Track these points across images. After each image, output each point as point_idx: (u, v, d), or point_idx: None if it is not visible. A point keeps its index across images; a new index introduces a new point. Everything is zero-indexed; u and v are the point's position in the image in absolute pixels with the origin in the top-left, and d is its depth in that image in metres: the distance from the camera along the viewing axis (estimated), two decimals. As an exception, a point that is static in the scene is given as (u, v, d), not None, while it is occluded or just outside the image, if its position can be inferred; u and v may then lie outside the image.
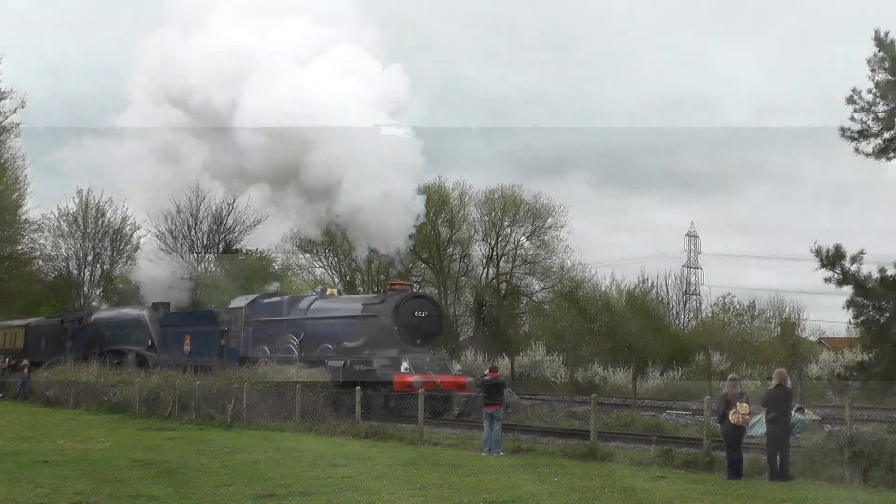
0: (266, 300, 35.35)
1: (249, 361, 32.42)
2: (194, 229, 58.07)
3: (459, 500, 12.40)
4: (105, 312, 47.54)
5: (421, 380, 26.80)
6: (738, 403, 14.93)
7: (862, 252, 14.42)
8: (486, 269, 55.02)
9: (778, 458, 14.75)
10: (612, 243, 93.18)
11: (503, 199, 54.01)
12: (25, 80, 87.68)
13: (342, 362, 29.02)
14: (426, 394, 22.98)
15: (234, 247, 57.76)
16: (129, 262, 59.70)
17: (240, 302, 35.83)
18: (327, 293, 33.93)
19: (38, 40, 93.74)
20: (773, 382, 15.36)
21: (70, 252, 58.44)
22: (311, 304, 32.86)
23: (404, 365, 27.61)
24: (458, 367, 32.04)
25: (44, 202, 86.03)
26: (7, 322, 55.15)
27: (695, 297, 67.53)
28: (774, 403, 15.02)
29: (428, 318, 29.65)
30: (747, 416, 14.99)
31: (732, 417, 14.88)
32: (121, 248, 59.80)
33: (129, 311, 44.16)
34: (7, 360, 46.40)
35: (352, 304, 32.18)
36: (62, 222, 57.85)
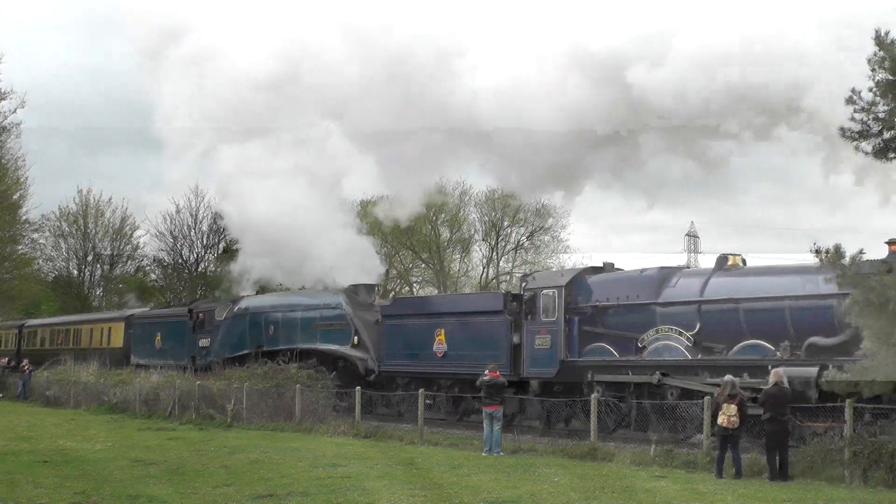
0: (597, 276, 23.28)
1: (579, 368, 22.05)
2: (194, 229, 58.16)
3: (459, 500, 12.40)
4: (267, 298, 34.83)
5: None
6: (725, 405, 15.12)
7: (861, 251, 14.38)
8: (486, 270, 55.05)
9: (777, 458, 14.76)
10: (612, 243, 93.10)
11: (504, 199, 54.04)
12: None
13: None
14: (426, 394, 22.95)
15: (235, 247, 57.83)
16: (128, 262, 59.84)
17: (548, 279, 24.06)
18: (728, 263, 21.30)
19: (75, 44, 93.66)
20: (770, 382, 15.34)
21: (70, 252, 58.51)
22: (708, 280, 20.90)
23: None
24: None
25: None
26: (95, 315, 50.24)
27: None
28: (771, 403, 15.01)
29: None
30: (733, 418, 15.03)
31: (719, 418, 15.16)
32: (121, 248, 59.89)
33: (315, 297, 31.75)
34: (7, 360, 46.10)
35: (806, 278, 18.70)
36: (62, 222, 57.93)
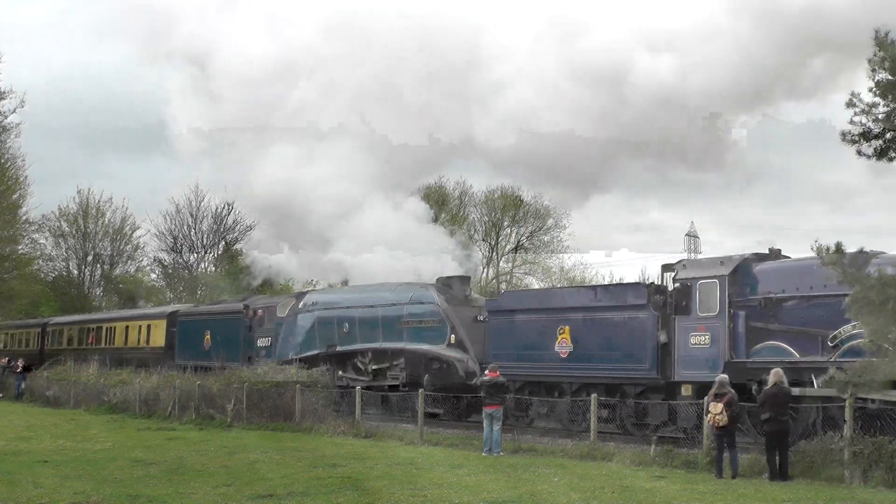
0: (766, 264, 20.17)
1: (750, 371, 18.69)
2: (194, 229, 58.23)
3: (459, 500, 12.40)
4: (339, 292, 31.64)
5: None
6: (712, 404, 15.29)
7: (862, 250, 14.38)
8: (486, 269, 55.05)
9: (777, 458, 14.77)
10: (612, 243, 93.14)
11: (503, 199, 54.09)
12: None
13: None
14: (427, 394, 22.96)
15: (235, 246, 57.88)
16: (129, 262, 59.84)
17: (706, 268, 20.50)
18: None
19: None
20: (770, 382, 15.34)
21: (70, 252, 58.52)
22: None
23: None
24: None
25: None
26: (132, 311, 47.56)
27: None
28: (771, 403, 15.02)
29: None
30: (718, 416, 15.14)
31: (707, 417, 15.50)
32: (121, 248, 59.93)
33: (400, 291, 28.12)
34: (7, 360, 45.78)
35: None
36: (62, 222, 57.94)
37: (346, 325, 28.88)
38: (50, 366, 39.14)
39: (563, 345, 22.32)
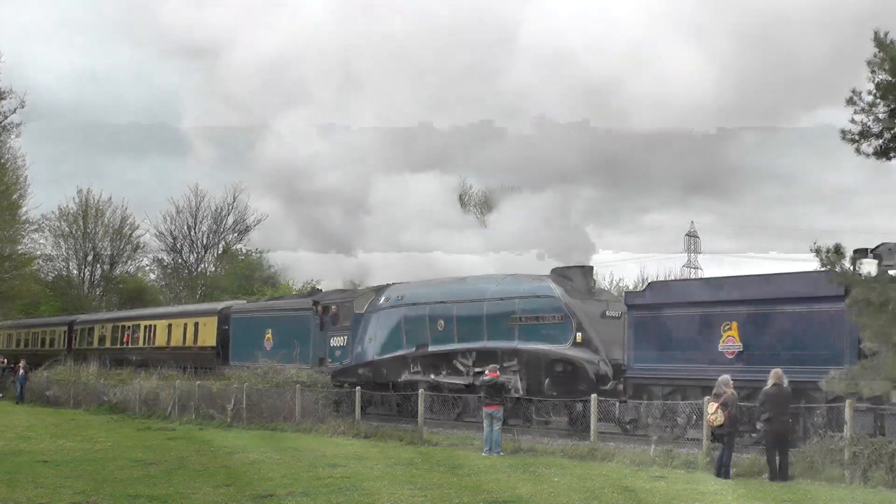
0: None
1: None
2: (194, 229, 58.28)
3: (459, 500, 12.40)
4: (430, 285, 27.70)
5: None
6: (710, 404, 15.39)
7: (860, 250, 14.41)
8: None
9: (777, 458, 14.76)
10: (612, 243, 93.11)
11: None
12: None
13: None
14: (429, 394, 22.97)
15: (235, 246, 57.96)
16: (129, 262, 59.82)
17: None
18: None
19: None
20: (769, 382, 15.30)
21: (70, 252, 58.55)
22: None
23: None
24: None
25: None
26: (176, 308, 43.97)
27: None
28: (770, 403, 15.00)
29: None
30: (712, 416, 15.25)
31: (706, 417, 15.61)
32: (121, 247, 59.97)
33: (508, 283, 25.02)
34: (5, 360, 44.87)
35: None
36: (62, 222, 57.97)
37: (442, 321, 25.81)
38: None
39: (729, 342, 19.61)
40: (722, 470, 14.99)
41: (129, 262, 61.36)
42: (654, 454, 16.86)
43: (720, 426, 15.15)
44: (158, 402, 28.25)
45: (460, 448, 19.68)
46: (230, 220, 58.64)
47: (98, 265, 60.21)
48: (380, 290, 28.95)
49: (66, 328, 47.55)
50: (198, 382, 27.34)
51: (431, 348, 26.02)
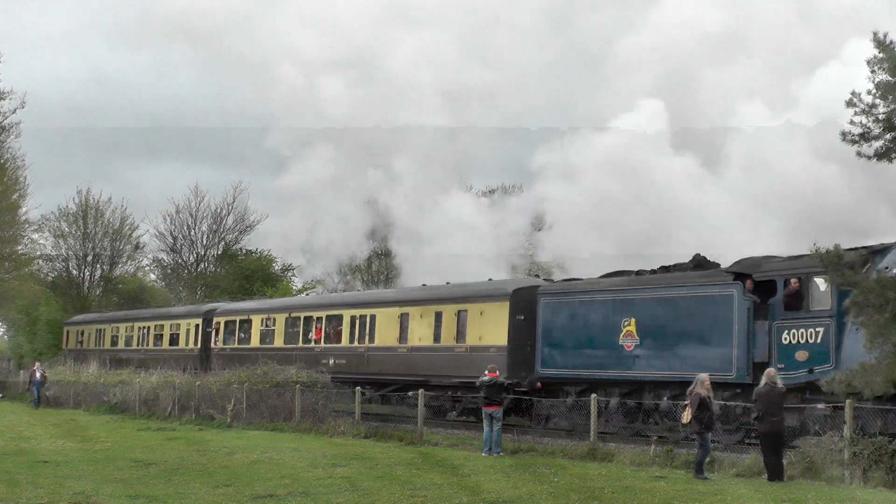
0: None
1: None
2: (193, 229, 58.28)
3: (459, 501, 12.40)
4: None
5: None
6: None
7: (860, 250, 14.45)
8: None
9: (773, 458, 14.72)
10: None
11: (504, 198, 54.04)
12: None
13: None
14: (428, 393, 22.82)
15: (234, 247, 57.93)
16: (129, 262, 59.78)
17: None
18: None
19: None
20: (762, 382, 15.23)
21: (70, 252, 58.52)
22: None
23: None
24: None
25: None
26: (407, 290, 29.98)
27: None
28: (761, 403, 14.93)
29: None
30: (683, 414, 15.51)
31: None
32: (120, 248, 59.94)
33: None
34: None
35: None
36: (62, 222, 57.94)
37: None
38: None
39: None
40: (697, 469, 14.92)
41: (129, 263, 61.36)
42: (653, 454, 16.88)
43: (685, 425, 15.24)
44: (158, 402, 28.26)
45: (460, 448, 19.69)
46: (230, 220, 58.63)
47: (98, 265, 60.19)
48: (875, 251, 17.82)
49: (199, 322, 36.40)
50: (197, 383, 27.34)
51: None
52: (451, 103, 36.61)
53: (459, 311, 25.44)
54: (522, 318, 23.85)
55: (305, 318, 30.91)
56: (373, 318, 28.08)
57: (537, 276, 26.46)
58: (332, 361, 28.24)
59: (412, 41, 37.93)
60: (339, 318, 29.46)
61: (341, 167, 37.98)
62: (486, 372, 19.70)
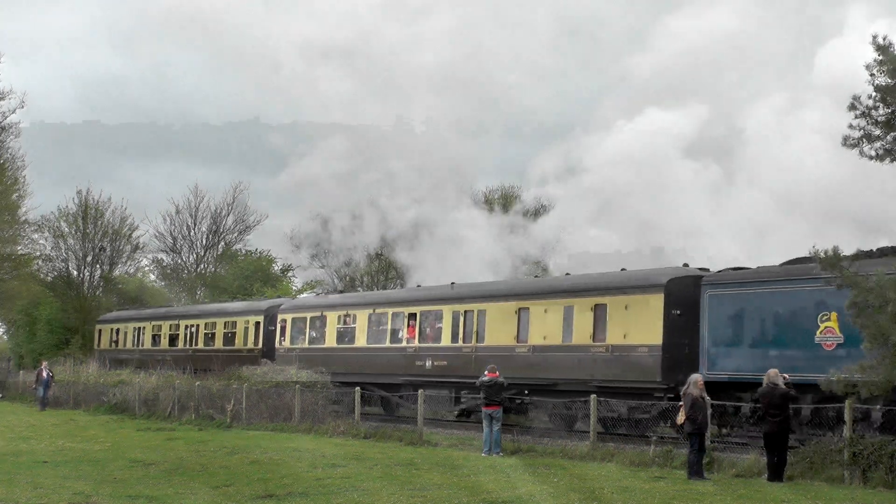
0: None
1: None
2: (193, 229, 58.30)
3: (459, 501, 12.40)
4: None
5: None
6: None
7: (859, 251, 14.43)
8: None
9: (776, 458, 14.72)
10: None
11: (503, 199, 54.02)
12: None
13: None
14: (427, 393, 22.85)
15: (234, 247, 57.96)
16: (128, 262, 59.77)
17: None
18: None
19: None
20: (764, 382, 15.23)
21: (70, 252, 58.53)
22: None
23: None
24: None
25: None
26: (524, 281, 27.88)
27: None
28: (765, 403, 14.94)
29: None
30: (678, 417, 15.49)
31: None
32: (120, 248, 59.94)
33: None
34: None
35: None
36: (62, 222, 57.94)
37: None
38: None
39: None
40: (691, 470, 14.85)
41: (129, 263, 61.37)
42: (653, 454, 16.88)
43: (679, 426, 15.26)
44: (158, 402, 28.26)
45: (460, 448, 19.70)
46: (230, 220, 58.66)
47: (98, 266, 60.20)
48: None
49: (259, 318, 33.56)
50: (197, 383, 27.33)
51: None
52: (452, 103, 36.58)
53: (596, 305, 22.27)
54: (679, 312, 20.78)
55: (394, 314, 27.93)
56: (482, 313, 24.98)
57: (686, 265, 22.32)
58: (429, 363, 25.75)
59: (411, 37, 37.87)
60: (438, 314, 26.44)
61: (350, 163, 37.91)
62: (486, 372, 19.68)
